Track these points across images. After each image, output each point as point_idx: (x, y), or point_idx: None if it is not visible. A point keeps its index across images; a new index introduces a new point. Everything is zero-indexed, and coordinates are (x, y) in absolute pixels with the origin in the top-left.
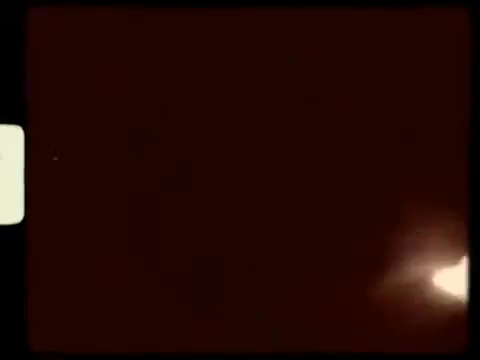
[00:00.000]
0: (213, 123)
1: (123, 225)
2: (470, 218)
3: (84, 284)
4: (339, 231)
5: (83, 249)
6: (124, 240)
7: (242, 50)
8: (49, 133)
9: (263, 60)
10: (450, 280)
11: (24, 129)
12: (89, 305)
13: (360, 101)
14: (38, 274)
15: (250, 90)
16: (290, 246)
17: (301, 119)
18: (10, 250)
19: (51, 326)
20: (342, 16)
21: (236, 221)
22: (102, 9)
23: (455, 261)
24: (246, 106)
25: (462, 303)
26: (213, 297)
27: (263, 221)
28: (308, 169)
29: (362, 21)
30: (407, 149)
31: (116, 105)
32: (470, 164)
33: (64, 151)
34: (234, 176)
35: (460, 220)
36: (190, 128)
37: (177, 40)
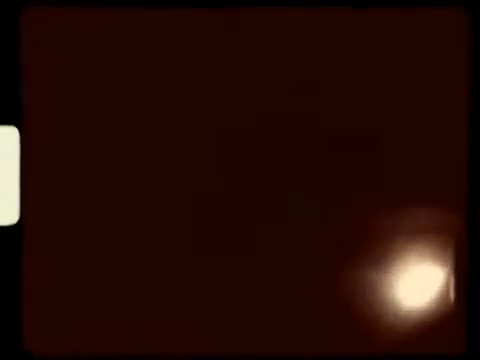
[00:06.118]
0: (213, 123)
1: (119, 226)
2: (469, 218)
3: (80, 285)
4: (338, 231)
5: (79, 250)
6: (120, 241)
7: (242, 50)
8: (44, 134)
9: (263, 60)
10: (449, 280)
11: (19, 130)
12: (85, 306)
13: (359, 101)
14: (34, 275)
15: (250, 90)
16: (290, 248)
17: (300, 118)
18: (6, 251)
19: (48, 327)
20: (341, 16)
21: (234, 223)
22: (98, 9)
23: (454, 261)
24: (246, 106)
25: (461, 303)
26: (210, 298)
27: (262, 224)
28: (308, 169)
29: (361, 21)
30: (405, 149)
31: (113, 106)
32: (469, 164)
33: (60, 152)
34: (233, 176)
35: (459, 220)
36: (189, 129)
37: (176, 40)
